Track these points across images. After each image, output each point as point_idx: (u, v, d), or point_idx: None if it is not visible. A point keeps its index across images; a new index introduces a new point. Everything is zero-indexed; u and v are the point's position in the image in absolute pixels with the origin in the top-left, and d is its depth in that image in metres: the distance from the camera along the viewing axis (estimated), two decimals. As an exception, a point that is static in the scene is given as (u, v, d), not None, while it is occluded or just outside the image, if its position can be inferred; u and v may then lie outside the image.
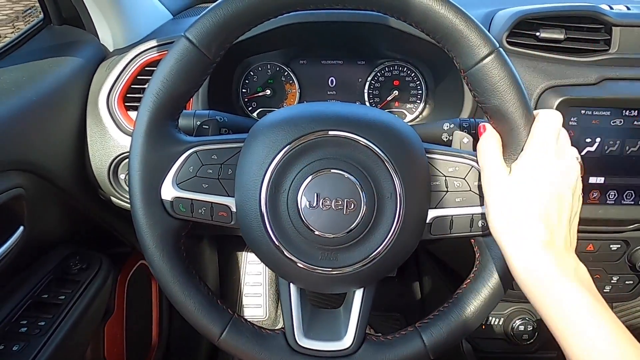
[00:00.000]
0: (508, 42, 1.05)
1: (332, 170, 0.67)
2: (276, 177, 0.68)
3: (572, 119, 0.97)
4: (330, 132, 0.67)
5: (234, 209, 0.71)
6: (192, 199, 0.71)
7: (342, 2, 0.68)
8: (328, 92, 1.34)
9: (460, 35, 0.65)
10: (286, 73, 1.32)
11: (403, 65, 1.31)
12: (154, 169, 0.70)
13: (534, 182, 0.57)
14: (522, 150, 0.60)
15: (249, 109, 1.33)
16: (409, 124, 1.27)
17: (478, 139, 0.71)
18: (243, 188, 0.69)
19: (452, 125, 0.87)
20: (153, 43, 1.10)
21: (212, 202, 0.69)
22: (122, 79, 1.09)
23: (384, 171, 0.67)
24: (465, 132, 0.84)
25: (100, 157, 1.08)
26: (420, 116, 1.32)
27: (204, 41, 0.68)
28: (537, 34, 1.02)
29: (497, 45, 0.65)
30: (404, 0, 0.65)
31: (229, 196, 0.69)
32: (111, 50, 1.21)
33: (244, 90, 1.32)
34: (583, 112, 0.96)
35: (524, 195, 0.57)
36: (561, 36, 0.99)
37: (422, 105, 1.32)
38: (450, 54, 0.68)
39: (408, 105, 1.32)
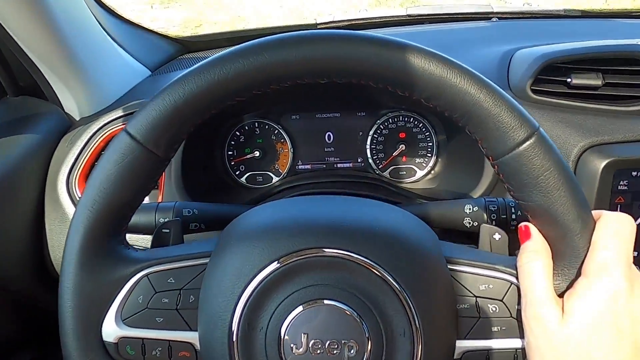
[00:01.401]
0: (533, 91, 0.88)
1: (326, 302, 0.50)
2: (250, 309, 0.51)
3: (621, 183, 0.79)
4: (326, 251, 0.51)
5: (198, 347, 0.54)
6: (143, 338, 0.54)
7: (327, 74, 0.52)
8: (325, 149, 1.18)
9: (487, 114, 0.48)
10: (277, 131, 1.16)
11: (409, 116, 1.15)
12: (91, 301, 0.54)
13: (604, 335, 0.39)
14: (579, 271, 0.43)
15: (237, 173, 1.17)
16: (419, 181, 1.11)
17: (514, 237, 0.53)
18: (209, 321, 0.52)
19: (476, 209, 0.69)
20: (119, 112, 0.95)
21: (169, 340, 0.52)
22: (84, 155, 0.94)
23: (395, 301, 0.49)
24: (494, 220, 0.66)
25: (60, 248, 0.93)
26: (432, 172, 1.15)
27: (150, 136, 0.52)
28: (568, 80, 0.85)
29: (537, 125, 0.48)
30: (408, 73, 0.49)
31: (191, 330, 0.51)
32: (77, 119, 1.07)
33: (229, 152, 1.16)
34: (634, 174, 0.78)
35: (587, 354, 0.39)
36: (598, 82, 0.82)
37: (433, 159, 1.15)
38: (474, 135, 0.51)
39: (417, 160, 1.16)
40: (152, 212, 0.71)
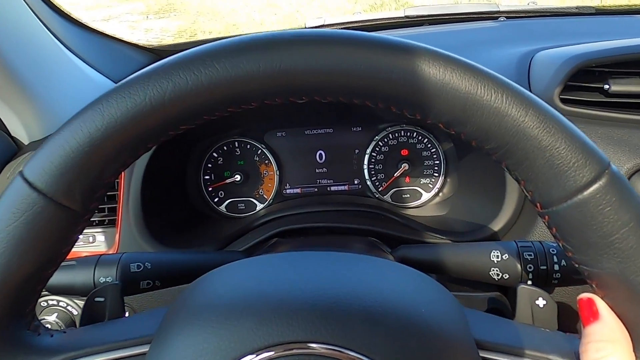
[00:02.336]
0: (562, 100, 0.73)
1: None
2: None
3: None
4: (313, 346, 0.35)
5: None
6: None
7: (304, 92, 0.38)
8: (317, 171, 1.03)
9: (536, 146, 0.33)
10: (260, 151, 1.01)
11: (412, 130, 1.00)
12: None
13: None
14: None
15: (215, 200, 1.02)
16: (425, 206, 0.95)
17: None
18: None
19: (506, 257, 0.54)
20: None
21: None
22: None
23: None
24: (530, 271, 0.51)
25: None
26: (441, 194, 1.00)
27: (58, 184, 0.37)
28: (606, 86, 0.70)
29: (607, 160, 0.33)
30: (420, 88, 0.34)
31: None
32: (26, 143, 0.92)
33: (206, 177, 1.01)
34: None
35: None
36: (643, 88, 0.67)
37: (441, 179, 0.99)
38: (514, 174, 0.36)
39: (422, 181, 1.00)
40: (91, 269, 0.56)
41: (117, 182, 0.80)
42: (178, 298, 0.44)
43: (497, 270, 0.54)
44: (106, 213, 0.83)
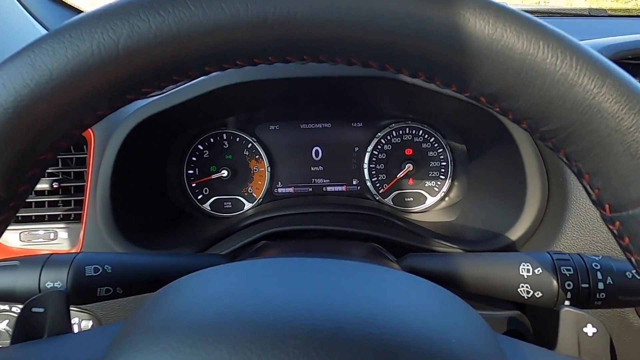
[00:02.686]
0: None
1: None
2: None
3: None
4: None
5: None
6: None
7: (324, 50, 0.29)
8: (312, 169, 0.94)
9: (613, 129, 0.25)
10: (250, 145, 0.92)
11: (418, 128, 0.91)
12: None
13: None
14: None
15: (199, 198, 0.92)
16: (429, 211, 0.87)
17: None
18: None
19: (539, 271, 0.45)
20: None
21: None
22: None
23: None
24: (569, 289, 0.42)
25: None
26: (447, 198, 0.91)
27: None
28: (642, 81, 0.62)
29: None
30: (466, 52, 0.26)
31: None
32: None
33: (189, 171, 0.91)
34: None
35: None
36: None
37: (447, 182, 0.91)
38: (576, 165, 0.27)
39: (427, 184, 0.92)
40: (37, 271, 0.46)
41: (86, 171, 0.70)
42: (134, 313, 0.34)
43: (527, 287, 0.45)
44: (72, 207, 0.73)
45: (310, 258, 0.36)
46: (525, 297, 0.45)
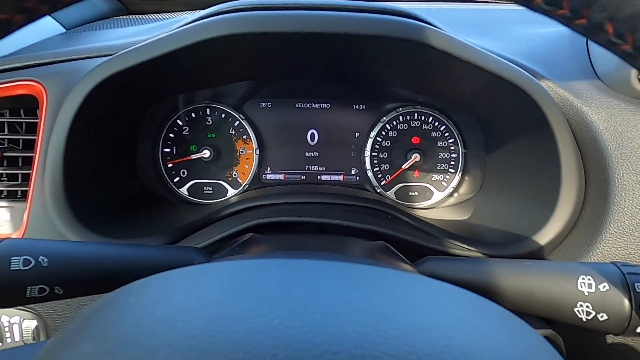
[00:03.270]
0: (640, 81, 0.56)
1: None
2: None
3: None
4: None
5: None
6: None
7: None
8: (306, 154, 0.83)
9: None
10: (237, 123, 0.81)
11: (428, 114, 0.81)
12: None
13: None
14: None
15: (175, 180, 0.80)
16: (435, 208, 0.78)
17: None
18: None
19: (604, 287, 0.35)
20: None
21: None
22: None
23: None
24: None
25: None
26: (455, 194, 0.81)
27: None
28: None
29: None
30: None
31: None
32: None
33: (165, 149, 0.79)
34: None
35: None
36: None
37: (457, 177, 0.81)
38: None
39: (435, 177, 0.82)
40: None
41: (35, 139, 0.57)
42: (64, 327, 0.23)
43: (587, 307, 0.35)
44: (19, 182, 0.61)
45: (307, 259, 0.26)
46: (584, 320, 0.35)
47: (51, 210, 0.54)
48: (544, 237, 0.57)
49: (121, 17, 1.07)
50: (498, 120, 0.67)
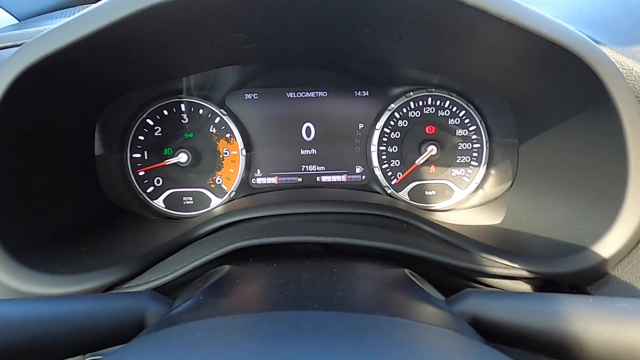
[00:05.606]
0: None
1: None
2: None
3: None
4: None
5: None
6: None
7: None
8: (302, 152, 0.71)
9: None
10: (218, 119, 0.68)
11: (444, 97, 0.68)
12: None
13: None
14: None
15: (149, 191, 0.68)
16: (457, 209, 0.65)
17: None
18: None
19: None
20: None
21: None
22: None
23: None
24: None
25: None
26: (481, 192, 0.69)
27: None
28: None
29: None
30: None
31: None
32: None
33: (135, 154, 0.67)
34: None
35: None
36: None
37: (481, 171, 0.69)
38: None
39: (454, 172, 0.69)
40: None
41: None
42: None
43: None
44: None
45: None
46: None
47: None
48: (607, 247, 0.44)
49: (85, 5, 0.94)
50: (537, 100, 0.54)
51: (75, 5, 0.97)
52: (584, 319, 0.28)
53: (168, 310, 0.33)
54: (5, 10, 0.83)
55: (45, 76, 0.42)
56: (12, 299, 0.34)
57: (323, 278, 0.34)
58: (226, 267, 0.39)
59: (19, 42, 0.47)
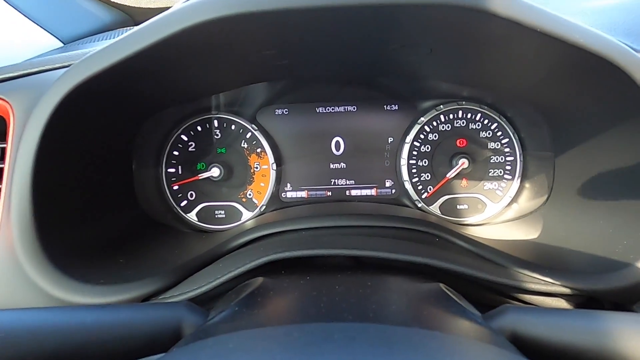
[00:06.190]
0: None
1: None
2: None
3: None
4: None
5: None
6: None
7: None
8: (331, 167, 0.71)
9: None
10: (250, 134, 0.70)
11: (475, 110, 0.68)
12: None
13: None
14: None
15: (183, 205, 0.70)
16: (490, 223, 0.63)
17: None
18: None
19: None
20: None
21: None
22: None
23: None
24: None
25: None
26: (515, 205, 0.67)
27: None
28: None
29: None
30: None
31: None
32: None
33: (169, 170, 0.69)
34: None
35: None
36: None
37: (515, 184, 0.67)
38: None
39: (487, 186, 0.68)
40: None
41: (3, 163, 0.48)
42: None
43: None
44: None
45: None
46: None
47: (19, 250, 0.44)
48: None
49: (127, 28, 0.99)
50: (573, 111, 0.53)
51: (118, 28, 1.02)
52: (632, 338, 0.27)
53: (204, 321, 0.33)
54: (51, 34, 0.88)
55: (90, 96, 0.44)
56: (54, 306, 0.35)
57: (357, 291, 0.33)
58: (260, 279, 0.39)
59: (66, 64, 0.50)
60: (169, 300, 0.44)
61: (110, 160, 0.58)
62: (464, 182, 0.69)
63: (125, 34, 0.40)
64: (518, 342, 0.31)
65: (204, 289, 0.45)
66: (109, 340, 0.31)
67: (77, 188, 0.50)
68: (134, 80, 0.47)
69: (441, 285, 0.38)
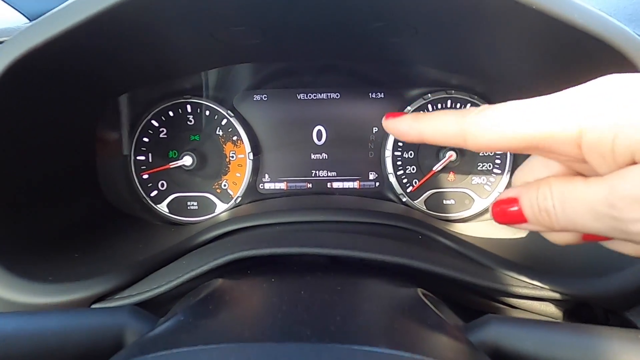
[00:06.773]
0: None
1: None
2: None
3: None
4: None
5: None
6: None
7: None
8: (312, 157, 0.67)
9: None
10: (225, 122, 0.65)
11: (464, 99, 0.64)
12: None
13: None
14: None
15: (153, 195, 0.65)
16: (474, 219, 0.60)
17: None
18: None
19: None
20: None
21: None
22: None
23: None
24: None
25: None
26: (504, 202, 0.64)
27: None
28: None
29: None
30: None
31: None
32: None
33: (139, 157, 0.65)
34: None
35: None
36: None
37: (504, 179, 0.64)
38: None
39: (475, 180, 0.65)
40: None
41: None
42: None
43: None
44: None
45: None
46: None
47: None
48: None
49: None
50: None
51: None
52: (627, 357, 0.23)
53: (150, 330, 0.29)
54: (17, 10, 0.82)
55: (34, 73, 0.40)
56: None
57: (323, 297, 0.30)
58: (218, 281, 0.36)
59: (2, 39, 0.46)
60: (121, 303, 0.40)
61: (69, 144, 0.53)
62: (451, 175, 0.65)
63: (65, 4, 0.36)
64: (500, 357, 0.28)
65: (161, 289, 0.40)
66: (33, 352, 0.27)
67: (25, 174, 0.45)
68: (85, 57, 0.43)
69: (419, 291, 0.34)
